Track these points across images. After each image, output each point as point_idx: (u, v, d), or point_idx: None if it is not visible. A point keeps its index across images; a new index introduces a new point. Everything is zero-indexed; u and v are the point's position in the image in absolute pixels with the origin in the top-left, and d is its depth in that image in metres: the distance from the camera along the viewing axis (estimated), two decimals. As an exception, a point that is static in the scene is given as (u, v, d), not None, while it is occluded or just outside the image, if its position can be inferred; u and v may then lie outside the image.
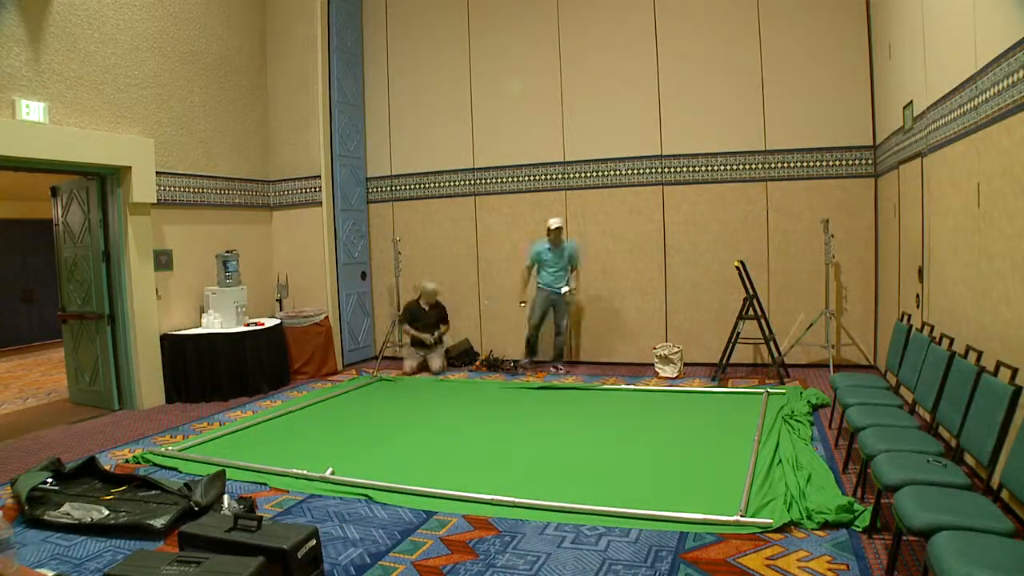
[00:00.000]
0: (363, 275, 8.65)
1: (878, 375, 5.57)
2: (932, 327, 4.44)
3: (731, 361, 6.88)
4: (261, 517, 2.92)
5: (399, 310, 8.10)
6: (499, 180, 8.26)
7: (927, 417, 3.84)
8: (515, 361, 7.73)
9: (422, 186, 8.61)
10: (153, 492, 3.92)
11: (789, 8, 7.14)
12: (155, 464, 4.73)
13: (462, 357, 8.13)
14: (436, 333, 7.88)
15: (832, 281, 7.08)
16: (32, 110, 5.49)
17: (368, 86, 8.75)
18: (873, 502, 3.23)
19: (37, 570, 2.72)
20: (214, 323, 6.93)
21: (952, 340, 3.96)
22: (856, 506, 3.36)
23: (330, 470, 4.31)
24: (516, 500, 3.74)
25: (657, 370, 7.10)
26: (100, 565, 3.19)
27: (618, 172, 7.76)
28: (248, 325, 7.13)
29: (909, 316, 4.95)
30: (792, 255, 7.23)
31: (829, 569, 2.91)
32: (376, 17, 8.71)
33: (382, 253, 8.77)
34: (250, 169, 7.96)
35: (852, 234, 7.04)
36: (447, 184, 8.49)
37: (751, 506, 3.56)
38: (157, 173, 6.55)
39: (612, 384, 6.76)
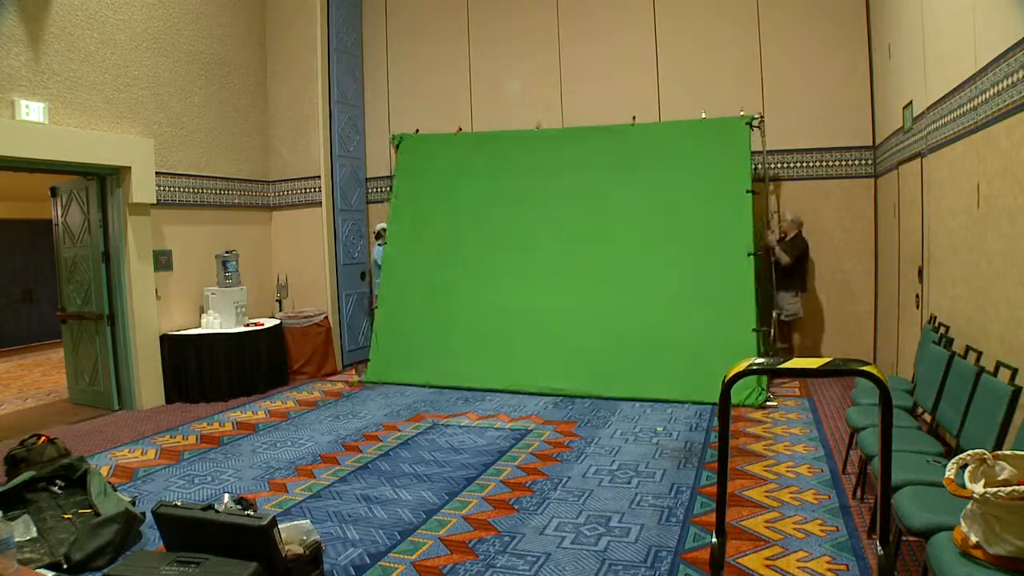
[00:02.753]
0: (363, 275, 8.64)
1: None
2: (939, 322, 4.44)
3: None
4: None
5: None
6: (499, 180, 8.23)
7: (927, 418, 3.84)
8: None
9: (422, 186, 8.58)
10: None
11: (789, 8, 7.14)
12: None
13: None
14: None
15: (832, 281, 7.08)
16: (32, 110, 5.49)
17: (368, 86, 8.74)
18: (873, 502, 3.23)
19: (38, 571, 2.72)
20: (214, 323, 6.93)
21: (952, 340, 3.96)
22: None
23: None
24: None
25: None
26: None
27: (618, 172, 7.74)
28: (248, 325, 7.12)
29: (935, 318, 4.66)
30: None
31: (829, 569, 2.91)
32: (376, 17, 8.70)
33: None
34: (250, 169, 7.95)
35: (852, 234, 7.03)
36: (447, 184, 8.46)
37: None
38: (157, 173, 6.55)
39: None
